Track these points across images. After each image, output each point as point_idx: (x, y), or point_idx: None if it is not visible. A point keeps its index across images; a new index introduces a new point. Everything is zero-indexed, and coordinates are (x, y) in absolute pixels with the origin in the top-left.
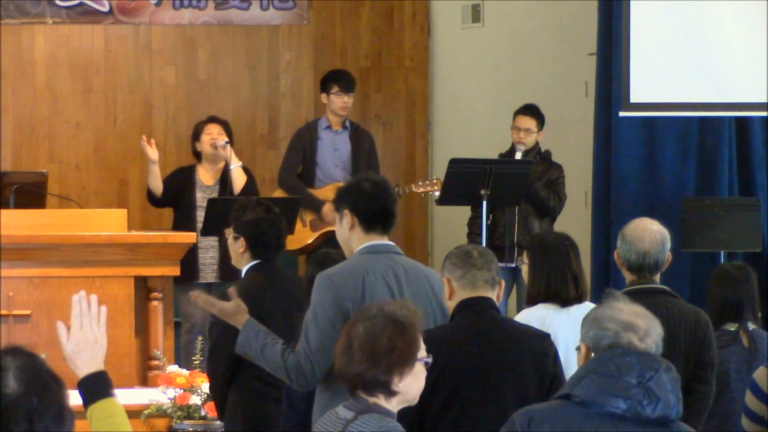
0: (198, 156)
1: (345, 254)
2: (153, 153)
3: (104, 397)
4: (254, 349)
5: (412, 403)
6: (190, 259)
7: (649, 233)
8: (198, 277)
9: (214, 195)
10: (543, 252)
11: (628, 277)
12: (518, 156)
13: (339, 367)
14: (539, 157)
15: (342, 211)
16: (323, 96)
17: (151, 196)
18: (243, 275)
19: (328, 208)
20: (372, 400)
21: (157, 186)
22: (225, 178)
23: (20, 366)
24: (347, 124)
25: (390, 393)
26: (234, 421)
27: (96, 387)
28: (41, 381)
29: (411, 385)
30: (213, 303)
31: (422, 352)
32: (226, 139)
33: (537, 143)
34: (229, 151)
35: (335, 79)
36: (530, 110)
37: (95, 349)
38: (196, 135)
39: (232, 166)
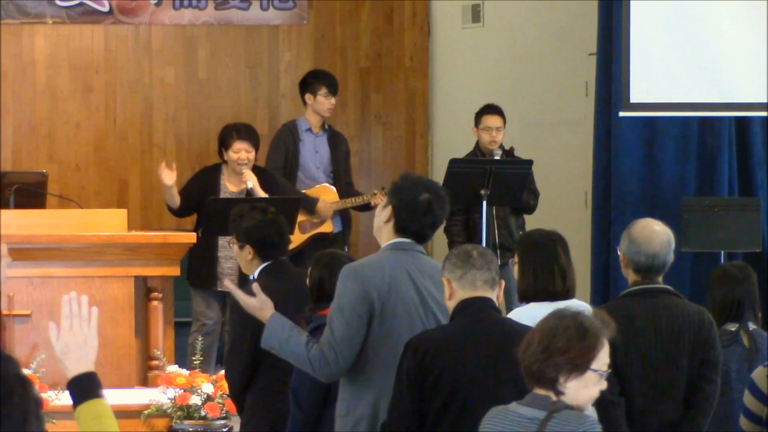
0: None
1: (378, 240)
2: (168, 178)
3: (91, 398)
4: (279, 342)
5: (581, 410)
6: (208, 266)
7: (657, 235)
8: (215, 284)
9: None
10: (529, 249)
11: (632, 277)
12: (496, 156)
13: (519, 355)
14: (504, 154)
15: (387, 204)
16: (308, 96)
17: (171, 209)
18: (255, 278)
19: (322, 205)
20: (553, 399)
21: (175, 202)
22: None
23: None
24: (326, 126)
25: (557, 392)
26: (251, 423)
27: (84, 388)
28: (7, 386)
29: (579, 391)
30: (241, 296)
31: (599, 364)
32: (251, 184)
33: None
34: (258, 191)
35: (321, 80)
36: (496, 109)
37: (84, 350)
38: (225, 143)
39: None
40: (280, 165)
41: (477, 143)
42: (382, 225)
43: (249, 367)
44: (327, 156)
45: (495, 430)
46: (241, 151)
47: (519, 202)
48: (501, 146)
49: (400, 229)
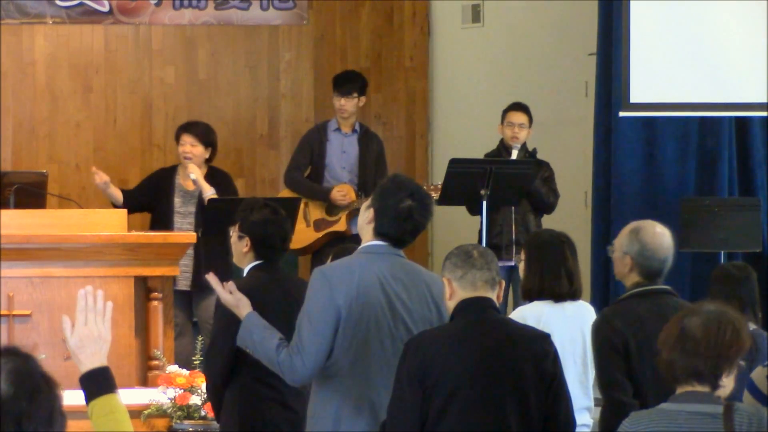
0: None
1: (361, 239)
2: (101, 178)
3: (105, 393)
4: (252, 342)
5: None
6: None
7: (666, 239)
8: (175, 283)
9: (194, 201)
10: (538, 249)
11: (633, 279)
12: (514, 154)
13: (670, 358)
14: (528, 155)
15: (370, 207)
16: (332, 98)
17: (115, 206)
18: (245, 274)
19: (336, 193)
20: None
21: (118, 199)
22: (215, 186)
23: (12, 368)
24: (357, 127)
25: (715, 387)
26: (230, 422)
27: (97, 383)
28: (32, 383)
29: (729, 384)
30: (220, 290)
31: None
32: (194, 176)
33: (525, 142)
34: (201, 184)
35: (336, 81)
36: (521, 106)
37: (99, 344)
38: (177, 141)
39: (205, 196)
40: (304, 165)
41: (501, 141)
42: (364, 225)
43: (229, 363)
44: (355, 156)
45: (666, 430)
46: (186, 145)
47: (519, 202)
48: (525, 147)
49: (379, 233)
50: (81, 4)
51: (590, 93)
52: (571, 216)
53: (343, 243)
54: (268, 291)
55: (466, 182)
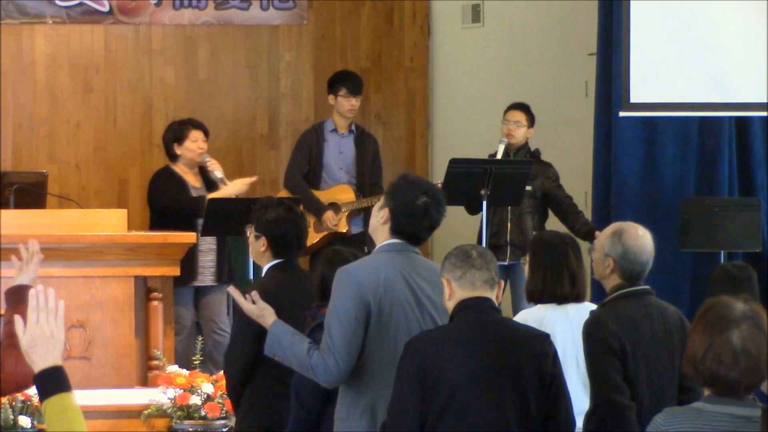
0: (173, 157)
1: (374, 240)
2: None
3: (58, 392)
4: (282, 350)
5: None
6: (189, 261)
7: (648, 242)
8: (196, 279)
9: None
10: (541, 250)
11: (615, 281)
12: (500, 148)
13: (716, 372)
14: (529, 155)
15: (384, 206)
16: (330, 97)
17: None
18: (264, 274)
19: (328, 216)
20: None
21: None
22: (207, 182)
23: None
24: (353, 127)
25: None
26: (248, 419)
27: (51, 382)
28: None
29: None
30: (242, 302)
31: None
32: (220, 174)
33: (527, 142)
34: (226, 182)
35: (343, 81)
36: (520, 105)
37: (51, 343)
38: (179, 137)
39: (226, 193)
40: (304, 166)
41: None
42: (378, 226)
43: (249, 362)
44: (351, 157)
45: (702, 430)
46: (199, 140)
47: (520, 202)
48: (527, 147)
49: (396, 231)
50: (81, 4)
51: (590, 93)
52: None
53: (342, 244)
54: (286, 290)
55: (466, 182)
